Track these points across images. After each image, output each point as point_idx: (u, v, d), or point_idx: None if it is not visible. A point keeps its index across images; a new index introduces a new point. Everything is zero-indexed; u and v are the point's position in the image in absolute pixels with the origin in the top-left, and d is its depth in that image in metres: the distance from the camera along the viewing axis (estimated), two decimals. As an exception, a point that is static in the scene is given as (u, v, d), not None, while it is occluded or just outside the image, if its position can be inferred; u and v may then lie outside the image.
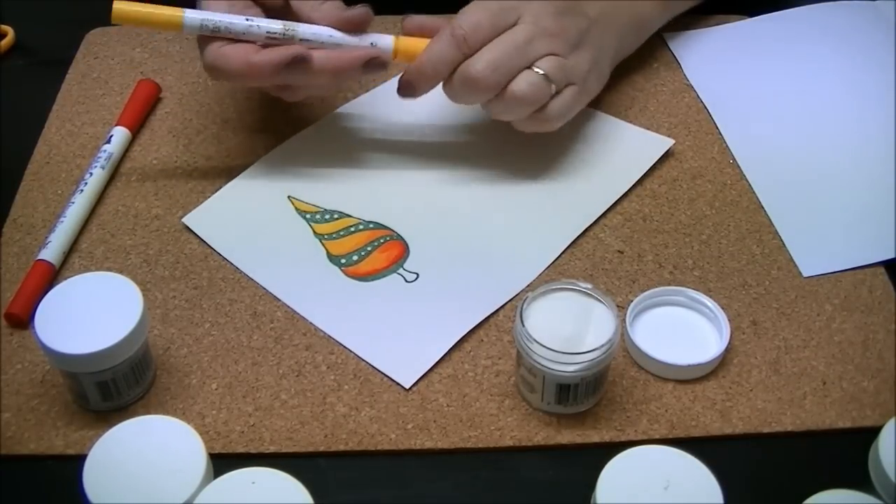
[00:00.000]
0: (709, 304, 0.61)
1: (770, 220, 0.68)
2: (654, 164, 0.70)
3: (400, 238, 0.65)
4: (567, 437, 0.56)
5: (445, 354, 0.59)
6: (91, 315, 0.54)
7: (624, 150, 0.71)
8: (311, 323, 0.61)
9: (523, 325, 0.54)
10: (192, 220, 0.66)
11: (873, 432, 0.51)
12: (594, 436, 0.56)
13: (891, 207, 0.67)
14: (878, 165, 0.70)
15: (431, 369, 0.58)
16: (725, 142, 0.73)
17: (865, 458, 0.51)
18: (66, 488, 0.48)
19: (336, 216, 0.67)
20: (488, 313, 0.61)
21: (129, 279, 0.55)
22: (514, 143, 0.71)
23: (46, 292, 0.55)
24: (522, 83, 0.63)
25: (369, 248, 0.65)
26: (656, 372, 0.58)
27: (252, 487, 0.47)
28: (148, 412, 0.54)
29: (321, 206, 0.67)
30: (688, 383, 0.58)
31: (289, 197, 0.68)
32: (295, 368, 0.59)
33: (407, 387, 0.57)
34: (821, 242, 0.66)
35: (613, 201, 0.68)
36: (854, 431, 0.56)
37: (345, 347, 0.59)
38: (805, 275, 0.64)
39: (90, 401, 0.55)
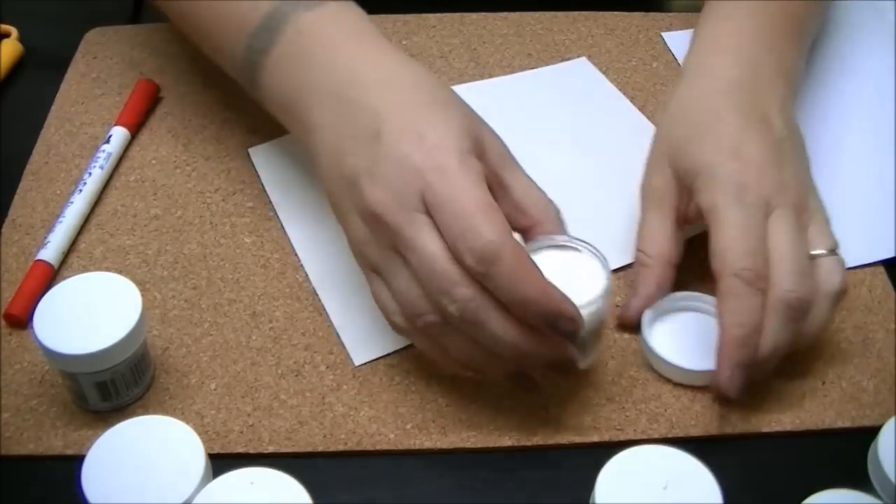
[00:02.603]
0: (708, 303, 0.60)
1: (769, 219, 0.67)
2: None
3: None
4: (566, 436, 0.56)
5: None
6: (90, 315, 0.54)
7: None
8: (307, 279, 0.62)
9: None
10: (257, 153, 0.69)
11: (872, 432, 0.51)
12: (593, 435, 0.56)
13: (890, 206, 0.67)
14: (877, 164, 0.70)
15: (429, 368, 0.58)
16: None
17: (864, 458, 0.51)
18: (65, 489, 0.48)
19: None
20: None
21: (127, 279, 0.55)
22: (560, 144, 0.71)
23: (45, 292, 0.55)
24: (835, 276, 0.56)
25: None
26: (677, 379, 0.57)
27: (251, 488, 0.47)
28: (147, 412, 0.54)
29: None
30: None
31: None
32: (294, 368, 0.59)
33: (356, 364, 0.58)
34: (820, 242, 0.66)
35: None
36: (853, 431, 0.56)
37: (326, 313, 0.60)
38: (804, 274, 0.64)
39: (89, 401, 0.55)
